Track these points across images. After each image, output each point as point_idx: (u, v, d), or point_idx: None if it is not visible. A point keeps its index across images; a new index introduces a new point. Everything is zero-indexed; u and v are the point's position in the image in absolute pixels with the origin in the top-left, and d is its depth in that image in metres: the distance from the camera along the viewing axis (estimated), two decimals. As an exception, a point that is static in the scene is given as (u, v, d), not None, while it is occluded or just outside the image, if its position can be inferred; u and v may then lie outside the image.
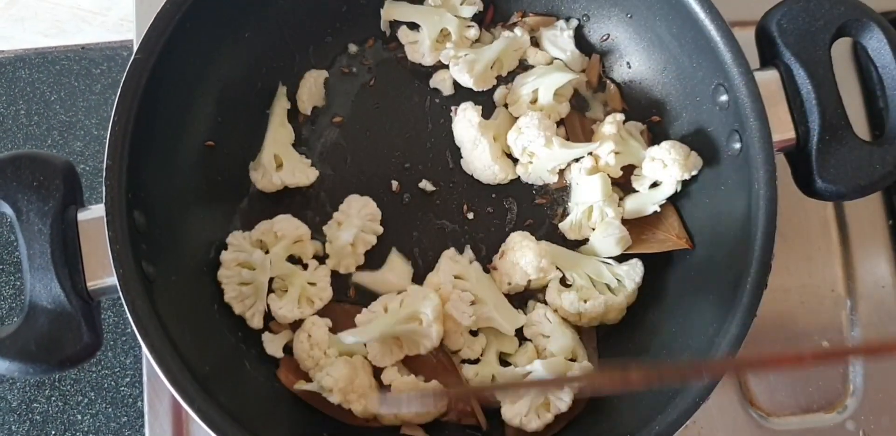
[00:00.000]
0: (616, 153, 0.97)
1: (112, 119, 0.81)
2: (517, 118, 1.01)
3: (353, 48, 1.06)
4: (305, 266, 0.98)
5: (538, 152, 0.98)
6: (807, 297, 1.05)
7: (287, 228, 0.96)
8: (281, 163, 0.99)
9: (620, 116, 0.99)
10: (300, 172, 0.99)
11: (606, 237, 0.96)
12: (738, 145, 0.86)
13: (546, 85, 1.01)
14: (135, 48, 0.93)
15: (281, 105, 1.02)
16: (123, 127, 0.81)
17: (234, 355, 0.92)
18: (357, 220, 0.97)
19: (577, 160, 0.99)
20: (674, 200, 0.97)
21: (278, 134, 1.01)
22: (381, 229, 0.99)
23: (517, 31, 1.04)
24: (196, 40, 0.89)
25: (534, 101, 1.02)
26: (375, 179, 1.02)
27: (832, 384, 1.03)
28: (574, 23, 1.05)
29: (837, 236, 1.07)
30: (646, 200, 0.98)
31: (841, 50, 1.04)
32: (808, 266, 1.06)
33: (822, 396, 1.03)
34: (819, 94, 0.85)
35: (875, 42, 0.86)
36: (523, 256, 0.95)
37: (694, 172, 0.93)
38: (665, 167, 0.93)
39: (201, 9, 0.87)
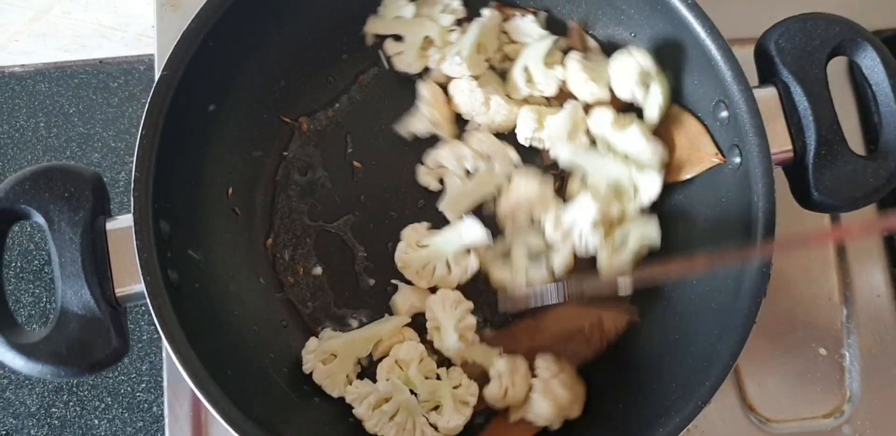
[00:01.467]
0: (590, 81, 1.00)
1: (140, 133, 0.84)
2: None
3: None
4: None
5: (493, 119, 1.01)
6: (804, 305, 1.08)
7: (408, 352, 0.97)
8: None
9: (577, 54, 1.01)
10: None
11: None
12: (737, 160, 0.88)
13: (532, 58, 1.02)
14: (156, 63, 0.97)
15: None
16: (150, 141, 0.84)
17: (257, 361, 0.94)
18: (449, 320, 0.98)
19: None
20: (678, 211, 1.00)
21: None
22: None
23: (485, 11, 1.04)
24: (220, 57, 0.92)
25: (529, 80, 1.03)
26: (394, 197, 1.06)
27: (830, 390, 1.05)
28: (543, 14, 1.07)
29: (833, 247, 1.09)
30: (646, 110, 1.00)
31: (837, 68, 1.07)
32: (805, 276, 1.08)
33: (820, 401, 1.05)
34: (815, 110, 0.87)
35: (868, 60, 0.89)
36: None
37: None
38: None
39: (225, 27, 0.90)
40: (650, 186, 0.97)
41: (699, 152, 0.96)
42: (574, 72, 1.00)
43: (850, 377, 1.05)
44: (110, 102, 1.31)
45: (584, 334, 0.97)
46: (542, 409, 0.91)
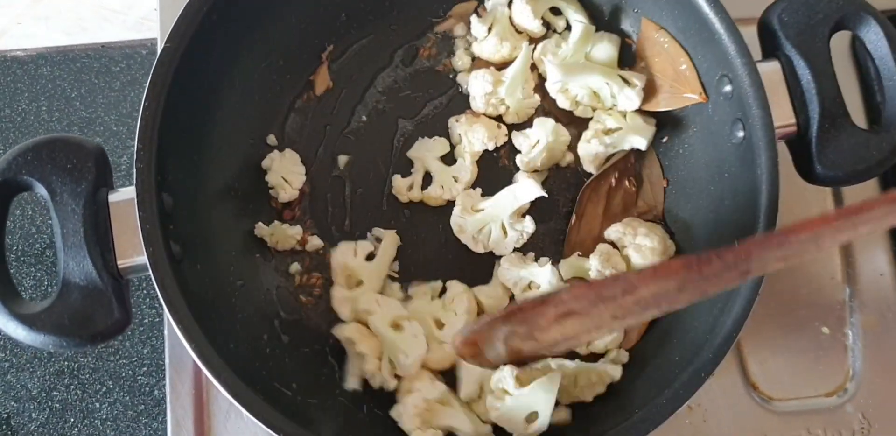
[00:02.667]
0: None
1: (143, 105, 0.84)
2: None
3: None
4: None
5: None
6: (807, 284, 1.08)
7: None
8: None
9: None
10: None
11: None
12: (741, 133, 0.88)
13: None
14: (158, 47, 0.97)
15: None
16: (153, 112, 0.84)
17: (256, 332, 0.94)
18: None
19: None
20: (681, 186, 1.01)
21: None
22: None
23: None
24: (223, 30, 0.92)
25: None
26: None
27: (832, 369, 1.05)
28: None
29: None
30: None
31: (840, 43, 1.07)
32: (809, 255, 1.08)
33: (823, 380, 1.05)
34: (818, 84, 0.87)
35: (872, 35, 0.89)
36: None
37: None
38: None
39: (227, 1, 0.90)
40: (629, 103, 1.01)
41: (682, 86, 0.97)
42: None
43: (853, 356, 1.05)
44: (112, 86, 1.31)
45: None
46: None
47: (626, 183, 1.03)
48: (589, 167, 1.04)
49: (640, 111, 1.02)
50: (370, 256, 1.02)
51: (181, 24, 0.87)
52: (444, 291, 1.01)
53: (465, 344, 0.83)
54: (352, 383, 0.95)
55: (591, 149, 1.02)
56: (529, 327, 0.80)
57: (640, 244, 0.96)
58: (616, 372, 0.93)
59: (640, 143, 1.01)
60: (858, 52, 1.12)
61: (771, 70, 0.89)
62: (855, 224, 0.72)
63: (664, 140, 1.03)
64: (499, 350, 0.82)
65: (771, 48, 0.91)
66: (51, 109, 1.30)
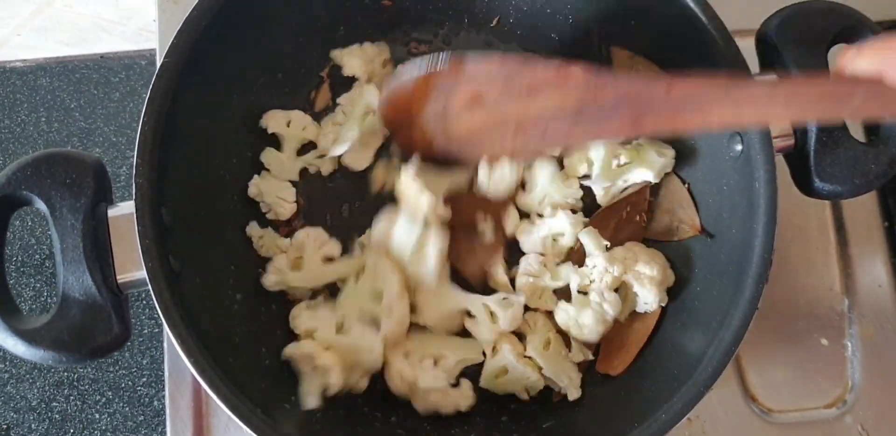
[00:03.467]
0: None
1: (141, 120, 0.84)
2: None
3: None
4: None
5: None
6: (805, 296, 1.08)
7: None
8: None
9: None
10: None
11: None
12: (739, 147, 0.88)
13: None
14: (157, 57, 0.97)
15: None
16: (152, 128, 0.84)
17: (256, 346, 0.94)
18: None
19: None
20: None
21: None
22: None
23: None
24: (222, 45, 0.92)
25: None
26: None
27: (831, 380, 1.05)
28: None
29: (835, 237, 1.10)
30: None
31: (837, 55, 1.07)
32: (807, 266, 1.09)
33: (822, 391, 1.05)
34: (816, 97, 0.88)
35: (869, 48, 0.89)
36: None
37: None
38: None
39: (226, 15, 0.90)
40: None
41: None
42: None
43: (852, 367, 1.05)
44: (111, 97, 1.31)
45: None
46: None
47: (637, 217, 1.02)
48: (602, 200, 1.04)
49: (651, 139, 1.02)
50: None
51: (180, 39, 0.87)
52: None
53: (389, 107, 0.86)
54: (311, 402, 0.91)
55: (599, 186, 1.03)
56: (444, 104, 0.82)
57: (640, 272, 0.95)
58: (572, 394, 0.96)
59: (648, 175, 1.00)
60: (856, 63, 1.12)
61: (769, 83, 0.89)
62: (737, 101, 0.71)
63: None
64: (416, 132, 0.85)
65: (769, 61, 0.91)
66: (50, 119, 1.30)
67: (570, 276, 0.98)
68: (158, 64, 0.87)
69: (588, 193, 1.03)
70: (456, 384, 0.95)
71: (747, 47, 0.91)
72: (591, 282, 0.97)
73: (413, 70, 0.85)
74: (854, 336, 1.06)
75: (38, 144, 1.29)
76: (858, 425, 1.03)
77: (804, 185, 0.90)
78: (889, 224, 1.09)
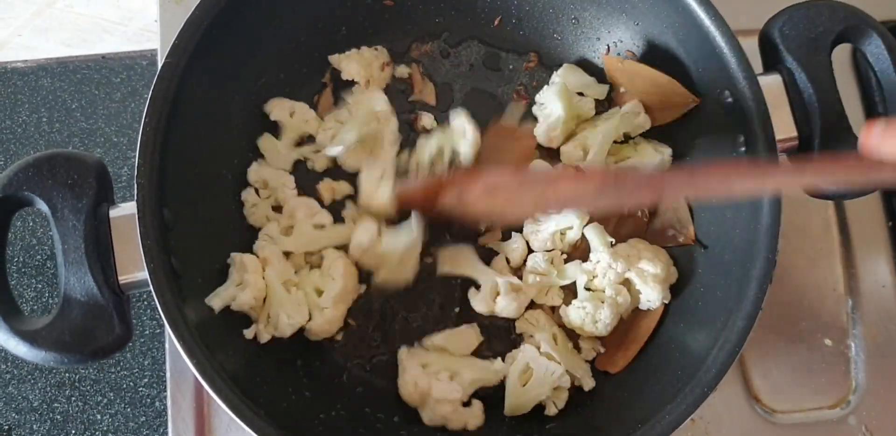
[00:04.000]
0: None
1: (143, 120, 0.84)
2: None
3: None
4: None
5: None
6: (809, 296, 1.07)
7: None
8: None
9: None
10: None
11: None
12: (743, 148, 0.88)
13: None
14: (159, 58, 0.97)
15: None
16: (154, 128, 0.84)
17: (257, 348, 0.93)
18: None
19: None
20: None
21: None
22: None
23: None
24: (223, 45, 0.92)
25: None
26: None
27: (835, 381, 1.05)
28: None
29: (839, 238, 1.09)
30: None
31: (841, 55, 1.07)
32: (811, 267, 1.08)
33: (826, 392, 1.04)
34: (820, 97, 0.88)
35: (873, 47, 0.89)
36: None
37: None
38: None
39: (228, 15, 0.90)
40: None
41: (671, 97, 0.98)
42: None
43: (856, 368, 1.05)
44: (113, 97, 1.31)
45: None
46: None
47: (639, 213, 1.02)
48: None
49: (649, 138, 1.03)
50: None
51: (181, 40, 0.87)
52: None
53: (402, 197, 0.91)
54: (215, 303, 0.90)
55: None
56: (459, 198, 0.85)
57: (643, 269, 0.95)
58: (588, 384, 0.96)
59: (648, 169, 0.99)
60: (860, 64, 1.12)
61: (772, 83, 0.89)
62: (762, 178, 0.72)
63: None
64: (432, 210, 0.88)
65: (772, 61, 0.91)
66: (51, 120, 1.30)
67: (577, 274, 0.98)
68: (160, 64, 0.87)
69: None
70: (468, 404, 0.95)
71: (751, 47, 0.91)
72: (593, 278, 0.97)
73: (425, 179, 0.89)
74: (858, 337, 1.06)
75: (39, 145, 1.29)
76: (862, 426, 1.03)
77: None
78: (893, 224, 1.09)
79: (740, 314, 0.82)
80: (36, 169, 0.83)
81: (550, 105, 1.03)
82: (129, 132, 1.29)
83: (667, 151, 1.01)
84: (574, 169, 0.82)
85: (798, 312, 1.07)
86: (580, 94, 1.06)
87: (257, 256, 0.95)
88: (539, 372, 0.94)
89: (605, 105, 1.06)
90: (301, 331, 0.95)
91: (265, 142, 1.03)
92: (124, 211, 0.84)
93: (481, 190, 0.83)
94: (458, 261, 1.00)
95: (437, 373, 0.94)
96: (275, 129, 1.04)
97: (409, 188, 0.89)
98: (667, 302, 0.96)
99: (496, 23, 1.09)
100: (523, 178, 0.82)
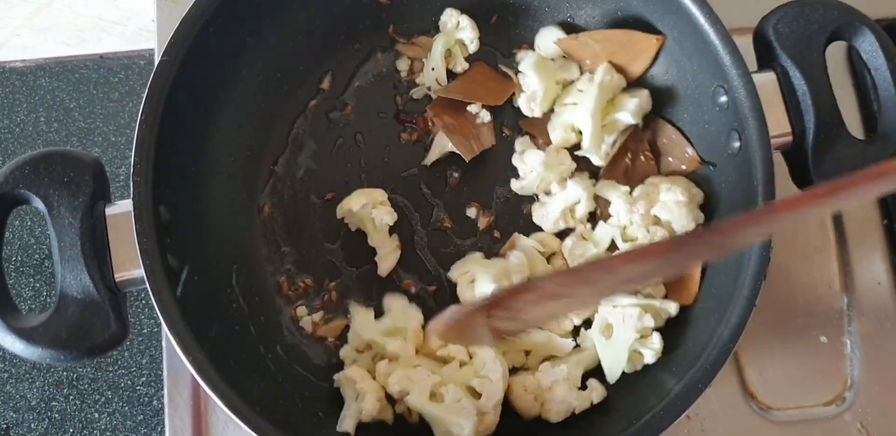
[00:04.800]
0: None
1: (139, 118, 0.84)
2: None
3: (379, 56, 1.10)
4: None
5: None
6: (804, 293, 1.07)
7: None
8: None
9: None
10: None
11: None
12: (737, 144, 0.89)
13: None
14: (156, 57, 0.97)
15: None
16: (150, 126, 0.84)
17: (254, 346, 0.94)
18: None
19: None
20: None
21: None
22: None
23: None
24: (220, 44, 0.92)
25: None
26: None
27: (831, 378, 1.04)
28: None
29: (834, 235, 1.09)
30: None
31: (835, 53, 1.07)
32: (806, 264, 1.08)
33: (821, 389, 1.04)
34: (814, 94, 0.87)
35: (867, 45, 0.89)
36: None
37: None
38: None
39: (224, 13, 0.90)
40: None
41: (633, 45, 0.99)
42: None
43: (851, 365, 1.05)
44: (111, 97, 1.32)
45: None
46: None
47: (643, 157, 1.02)
48: (598, 161, 1.03)
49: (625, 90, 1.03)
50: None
51: (177, 38, 0.87)
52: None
53: (446, 331, 0.81)
54: (345, 425, 0.90)
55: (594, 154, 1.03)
56: (511, 312, 0.79)
57: (665, 200, 0.95)
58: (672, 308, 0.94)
59: (628, 118, 1.00)
60: (854, 61, 1.12)
61: (766, 81, 0.89)
62: (832, 201, 0.70)
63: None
64: (481, 332, 0.81)
65: (766, 59, 0.91)
66: (49, 119, 1.31)
67: (607, 233, 0.98)
68: (156, 63, 0.87)
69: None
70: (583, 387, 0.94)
71: (745, 45, 0.91)
72: (626, 230, 0.97)
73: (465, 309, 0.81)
74: (853, 334, 1.06)
75: (37, 144, 1.29)
76: (858, 423, 1.03)
77: (802, 181, 0.90)
78: (888, 221, 1.09)
79: (735, 311, 0.82)
80: (32, 167, 0.84)
81: (528, 77, 1.04)
82: (127, 131, 1.30)
83: (642, 93, 1.01)
84: (631, 252, 0.77)
85: (793, 309, 1.06)
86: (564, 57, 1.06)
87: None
88: (617, 320, 0.93)
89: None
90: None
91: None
92: (121, 209, 0.85)
93: (536, 300, 0.77)
94: None
95: (536, 367, 0.94)
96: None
97: (445, 321, 0.80)
98: (701, 223, 0.96)
99: (493, 20, 1.10)
100: (578, 275, 0.77)
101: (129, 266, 0.83)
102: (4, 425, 1.17)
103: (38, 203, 0.84)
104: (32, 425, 1.18)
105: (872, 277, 1.08)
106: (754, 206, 0.84)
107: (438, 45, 1.06)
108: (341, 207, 1.01)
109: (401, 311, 0.99)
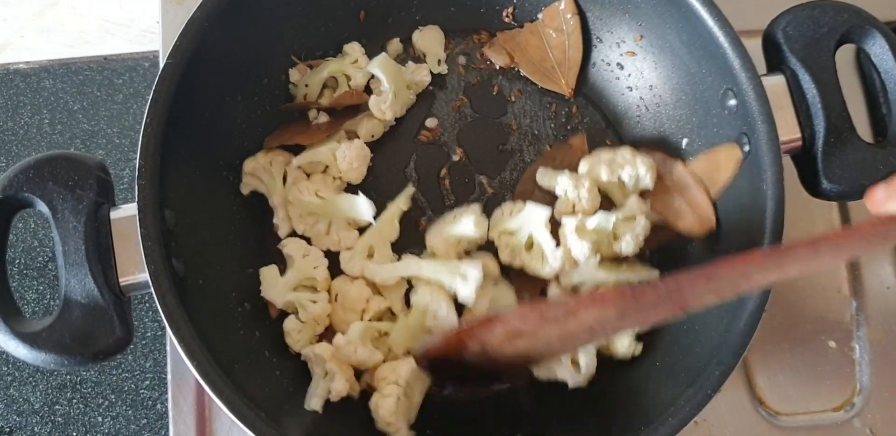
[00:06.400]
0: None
1: (144, 121, 0.84)
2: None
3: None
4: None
5: None
6: (813, 298, 1.07)
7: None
8: (373, 253, 1.02)
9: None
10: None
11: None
12: (746, 148, 0.88)
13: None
14: (160, 59, 0.97)
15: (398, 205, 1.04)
16: (155, 129, 0.84)
17: (259, 350, 0.94)
18: None
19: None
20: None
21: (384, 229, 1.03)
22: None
23: None
24: (224, 46, 0.92)
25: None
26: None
27: (840, 383, 1.04)
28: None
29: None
30: None
31: (845, 56, 1.06)
32: (815, 268, 1.08)
33: (830, 394, 1.04)
34: (824, 98, 0.87)
35: (877, 48, 0.89)
36: None
37: None
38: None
39: (230, 16, 0.90)
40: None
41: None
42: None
43: (860, 370, 1.05)
44: (115, 99, 1.31)
45: None
46: None
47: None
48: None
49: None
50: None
51: (182, 41, 0.87)
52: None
53: (423, 361, 0.87)
54: (313, 403, 0.91)
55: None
56: (482, 346, 0.82)
57: (611, 165, 0.97)
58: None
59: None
60: (864, 65, 1.12)
61: (776, 84, 0.89)
62: (782, 265, 0.72)
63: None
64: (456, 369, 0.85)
65: (776, 62, 0.91)
66: (53, 121, 1.30)
67: (600, 219, 0.96)
68: (161, 65, 0.86)
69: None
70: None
71: (754, 47, 0.90)
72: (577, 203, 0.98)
73: (442, 333, 0.86)
74: (862, 339, 1.05)
75: (41, 147, 1.28)
76: (867, 429, 1.02)
77: (812, 186, 0.90)
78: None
79: (744, 317, 0.81)
80: (36, 170, 0.83)
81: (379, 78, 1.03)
82: (131, 134, 1.29)
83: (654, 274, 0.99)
84: (589, 296, 0.80)
85: (802, 315, 1.06)
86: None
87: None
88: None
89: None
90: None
91: (268, 272, 0.98)
92: (125, 212, 0.84)
93: (503, 335, 0.81)
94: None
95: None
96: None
97: (430, 346, 0.86)
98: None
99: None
100: (542, 311, 0.80)
101: (134, 270, 0.83)
102: (8, 429, 1.17)
103: (43, 207, 0.83)
104: (36, 428, 1.17)
105: (881, 281, 1.07)
106: (762, 210, 0.84)
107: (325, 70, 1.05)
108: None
109: (300, 258, 1.00)
